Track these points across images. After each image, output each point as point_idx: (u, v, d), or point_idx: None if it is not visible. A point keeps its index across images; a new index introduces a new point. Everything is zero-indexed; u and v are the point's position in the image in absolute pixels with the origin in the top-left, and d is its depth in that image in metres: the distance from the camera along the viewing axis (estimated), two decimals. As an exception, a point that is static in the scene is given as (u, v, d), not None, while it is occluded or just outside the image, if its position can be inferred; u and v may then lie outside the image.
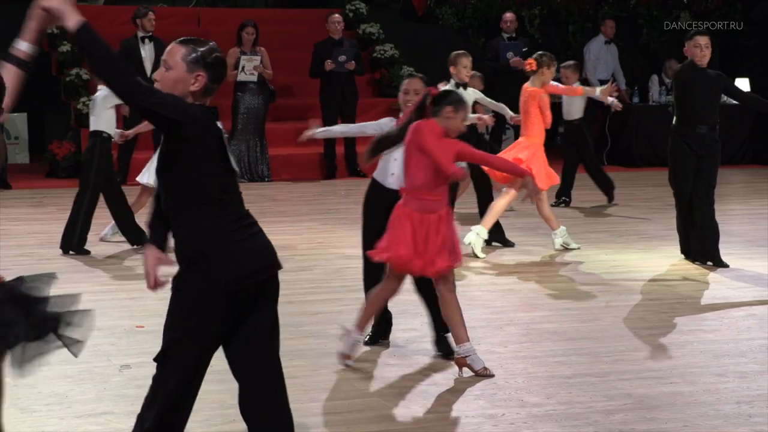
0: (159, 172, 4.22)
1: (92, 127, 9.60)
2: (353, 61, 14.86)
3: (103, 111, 9.47)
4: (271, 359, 4.33)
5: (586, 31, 18.31)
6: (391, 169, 6.55)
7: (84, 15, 4.03)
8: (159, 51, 13.03)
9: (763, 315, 7.67)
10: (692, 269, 9.14)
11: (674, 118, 9.37)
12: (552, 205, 10.87)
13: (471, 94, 9.81)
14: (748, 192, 14.12)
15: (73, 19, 3.93)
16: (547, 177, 9.75)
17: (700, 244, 9.27)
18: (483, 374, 6.12)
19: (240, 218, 4.23)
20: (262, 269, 4.24)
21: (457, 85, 9.53)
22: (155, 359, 4.28)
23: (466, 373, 6.16)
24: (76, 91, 14.43)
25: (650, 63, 18.13)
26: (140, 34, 13.63)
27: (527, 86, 9.81)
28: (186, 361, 4.23)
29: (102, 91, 9.46)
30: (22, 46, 4.07)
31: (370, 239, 6.42)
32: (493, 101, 10.37)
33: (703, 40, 9.11)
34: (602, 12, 18.52)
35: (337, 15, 15.16)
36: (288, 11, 18.38)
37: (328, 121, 14.78)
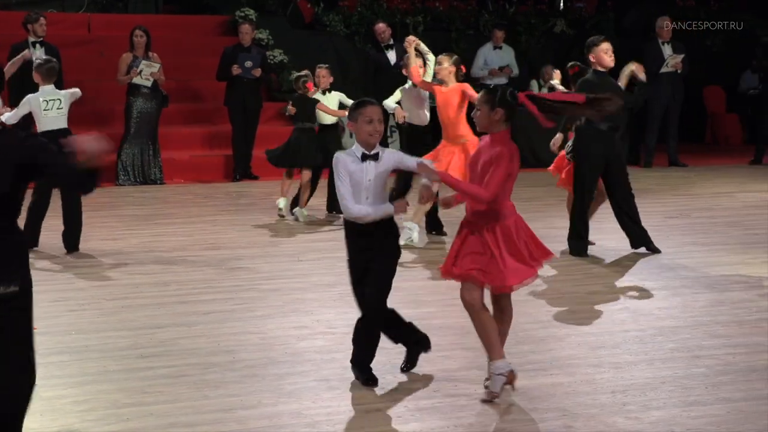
0: None
1: None
2: (260, 68, 15.01)
3: None
4: None
5: (467, 37, 18.74)
6: None
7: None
8: (50, 56, 12.95)
9: (636, 308, 7.98)
10: (570, 265, 9.46)
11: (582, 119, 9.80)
12: None
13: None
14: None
15: None
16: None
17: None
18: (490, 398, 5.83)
19: None
20: None
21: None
22: None
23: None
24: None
25: (529, 68, 18.57)
26: (31, 39, 13.53)
27: None
28: None
29: None
30: None
31: None
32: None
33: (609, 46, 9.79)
34: (483, 20, 18.97)
35: (247, 25, 15.46)
36: (178, 17, 18.36)
37: (234, 123, 15.00)
